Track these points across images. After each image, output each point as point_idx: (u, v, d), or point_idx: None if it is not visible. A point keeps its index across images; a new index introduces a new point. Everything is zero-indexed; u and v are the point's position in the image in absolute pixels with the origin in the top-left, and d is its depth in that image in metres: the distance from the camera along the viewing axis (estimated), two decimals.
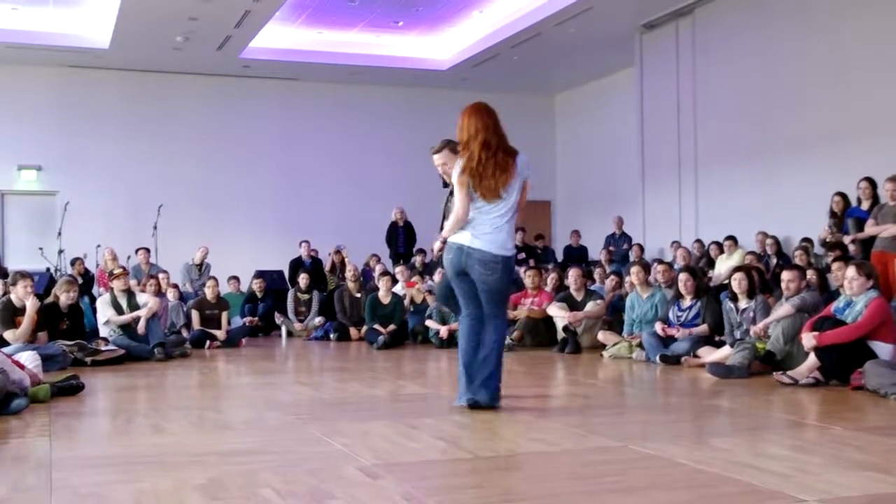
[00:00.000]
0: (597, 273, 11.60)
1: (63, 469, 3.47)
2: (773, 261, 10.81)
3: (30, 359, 5.90)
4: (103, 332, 8.68)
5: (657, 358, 7.53)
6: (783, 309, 6.69)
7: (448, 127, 19.82)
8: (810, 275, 7.97)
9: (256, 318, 11.90)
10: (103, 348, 8.06)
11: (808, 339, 5.92)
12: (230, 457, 3.74)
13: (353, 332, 10.86)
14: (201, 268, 13.20)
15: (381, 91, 16.80)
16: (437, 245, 5.19)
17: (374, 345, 9.71)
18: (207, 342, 9.96)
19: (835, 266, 7.30)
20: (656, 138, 14.30)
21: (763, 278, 8.50)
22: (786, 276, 6.90)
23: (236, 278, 12.97)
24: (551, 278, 10.61)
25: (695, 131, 13.49)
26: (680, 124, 13.74)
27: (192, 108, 15.95)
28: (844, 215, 9.23)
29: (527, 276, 10.01)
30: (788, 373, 5.98)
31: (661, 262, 9.57)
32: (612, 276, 10.57)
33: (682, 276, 7.97)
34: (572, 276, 9.52)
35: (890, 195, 8.24)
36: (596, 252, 14.61)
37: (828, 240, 9.49)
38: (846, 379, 5.72)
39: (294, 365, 8.78)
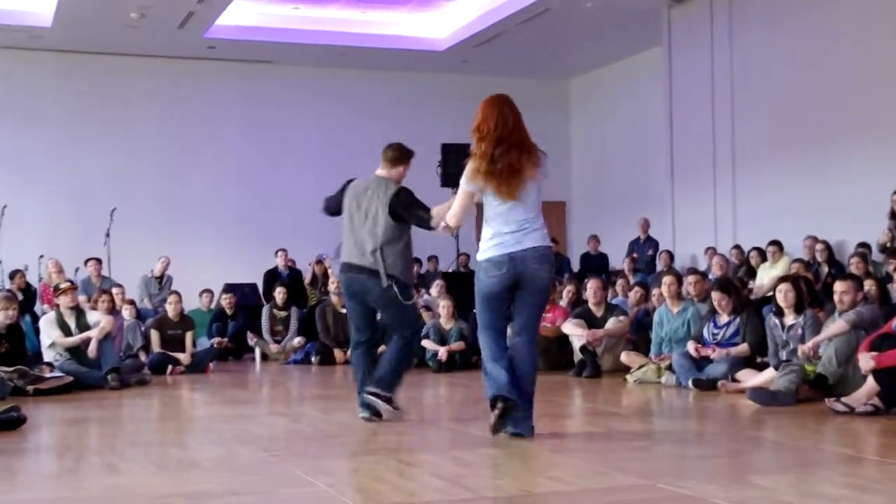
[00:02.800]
0: (619, 285, 11.60)
1: None
2: (825, 269, 10.81)
3: None
4: (48, 356, 8.66)
5: (690, 383, 7.52)
6: (836, 325, 6.67)
7: (446, 118, 20.04)
8: (868, 285, 7.96)
9: (226, 339, 11.90)
10: (48, 375, 8.04)
11: (866, 361, 5.91)
12: (197, 500, 3.74)
13: (337, 354, 10.86)
14: (161, 281, 13.19)
15: (367, 76, 16.82)
16: (442, 224, 5.40)
17: None
18: (169, 367, 9.94)
19: None
20: (687, 129, 14.29)
21: (812, 290, 8.51)
22: (839, 287, 6.89)
23: (209, 292, 12.95)
24: (567, 291, 10.61)
25: (732, 120, 13.49)
26: (715, 112, 13.73)
27: (149, 96, 15.95)
28: None
29: None
30: (843, 399, 5.96)
31: (694, 271, 9.58)
32: (637, 289, 10.57)
33: (716, 296, 7.95)
34: (591, 288, 9.52)
35: None
36: (618, 260, 14.60)
37: (888, 245, 9.50)
38: None
39: (270, 393, 8.77)
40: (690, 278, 8.99)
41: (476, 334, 10.06)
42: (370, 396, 5.79)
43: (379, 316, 6.12)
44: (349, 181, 6.25)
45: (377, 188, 6.02)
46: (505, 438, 4.91)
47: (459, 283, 12.33)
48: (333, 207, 6.22)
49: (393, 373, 5.91)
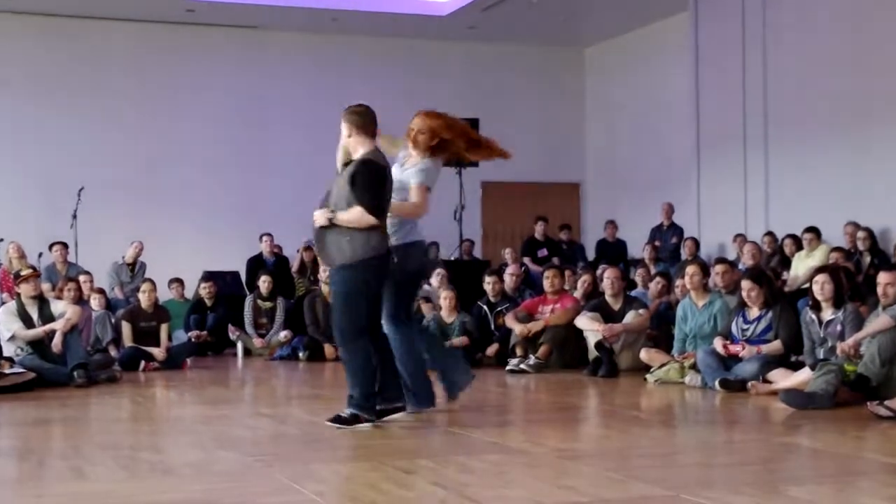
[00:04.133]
0: (638, 275, 11.58)
1: None
2: (867, 259, 10.81)
3: None
4: (7, 349, 8.65)
5: (716, 383, 7.51)
6: (880, 321, 6.66)
7: (450, 90, 19.97)
8: None
9: (205, 333, 11.89)
10: (7, 371, 8.04)
11: None
12: None
13: (327, 349, 10.86)
14: (134, 268, 13.18)
15: (363, 43, 16.78)
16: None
17: None
18: (142, 363, 9.94)
19: None
20: (715, 103, 14.26)
21: (853, 282, 8.49)
22: (883, 278, 6.88)
23: (179, 281, 12.94)
24: (583, 281, 10.59)
25: (764, 93, 13.47)
26: (746, 85, 13.71)
27: (122, 64, 15.92)
28: None
29: (545, 279, 10.00)
30: (886, 403, 5.95)
31: (722, 260, 9.57)
32: (659, 279, 10.55)
33: (746, 285, 7.94)
34: (607, 278, 9.51)
35: None
36: (637, 248, 14.60)
37: None
38: None
39: (253, 391, 8.77)
40: (718, 268, 8.98)
41: (475, 328, 10.14)
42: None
43: None
44: (381, 167, 5.88)
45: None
46: (514, 444, 4.90)
47: (463, 273, 12.34)
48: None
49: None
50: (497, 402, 7.60)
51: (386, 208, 5.78)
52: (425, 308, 10.76)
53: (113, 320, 10.60)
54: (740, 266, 10.44)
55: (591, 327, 9.13)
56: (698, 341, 8.32)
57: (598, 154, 17.90)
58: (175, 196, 15.91)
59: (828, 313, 7.30)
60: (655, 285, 10.42)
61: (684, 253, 13.15)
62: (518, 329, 9.54)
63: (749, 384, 7.36)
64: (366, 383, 5.67)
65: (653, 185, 15.84)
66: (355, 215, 5.59)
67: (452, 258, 14.10)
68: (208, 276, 12.84)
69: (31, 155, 15.37)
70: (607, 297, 9.43)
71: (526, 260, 14.43)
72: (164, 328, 10.41)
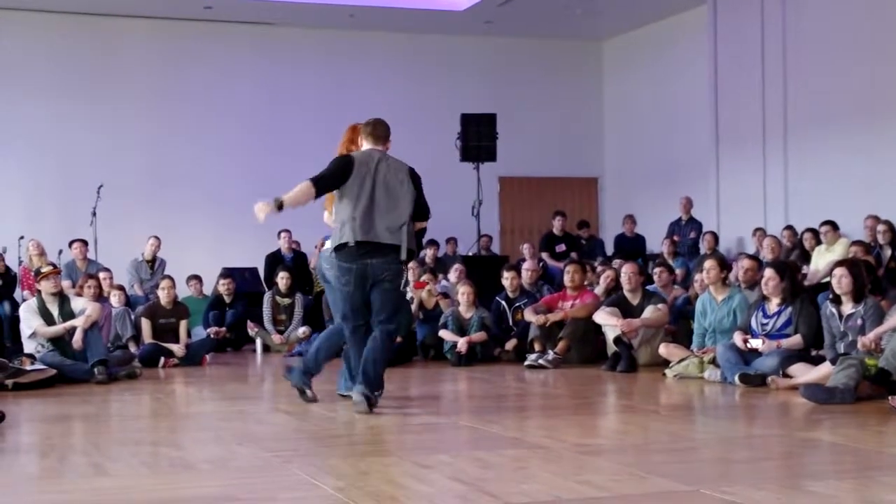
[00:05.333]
0: (655, 272, 11.54)
1: None
2: (887, 253, 10.75)
3: None
4: (28, 346, 8.71)
5: (736, 378, 7.49)
6: None
7: (466, 85, 19.92)
8: None
9: (224, 329, 11.93)
10: (28, 368, 8.08)
11: None
12: None
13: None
14: (153, 265, 13.23)
15: (378, 40, 16.77)
16: None
17: None
18: (162, 359, 9.98)
19: None
20: (734, 96, 14.21)
21: (874, 275, 8.44)
22: None
23: (198, 278, 12.99)
24: (605, 277, 10.57)
25: (784, 87, 13.41)
26: (765, 78, 13.66)
27: (141, 61, 15.97)
28: None
29: (566, 273, 10.00)
30: None
31: (747, 256, 9.53)
32: (660, 270, 10.50)
33: (767, 273, 7.92)
34: (625, 273, 9.49)
35: None
36: (656, 243, 14.57)
37: None
38: None
39: (272, 388, 8.79)
40: (745, 263, 8.92)
41: (494, 323, 10.18)
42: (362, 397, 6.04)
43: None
44: (347, 155, 6.42)
45: (391, 162, 6.31)
46: (533, 439, 4.90)
47: (481, 268, 12.34)
48: (339, 181, 6.30)
49: (381, 374, 6.23)
50: (515, 397, 7.61)
51: None
52: (443, 304, 10.77)
53: (132, 317, 10.65)
54: (762, 260, 10.39)
55: (609, 322, 9.11)
56: (717, 336, 8.31)
57: (617, 148, 17.86)
58: (194, 193, 15.95)
59: (848, 307, 7.27)
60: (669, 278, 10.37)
61: (703, 247, 13.12)
62: (536, 319, 9.54)
63: (769, 379, 7.34)
64: None
65: (671, 180, 15.80)
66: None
67: (470, 253, 14.10)
68: (227, 273, 12.87)
69: (50, 153, 15.44)
70: (626, 292, 9.41)
71: (544, 255, 14.42)
72: (183, 325, 10.45)
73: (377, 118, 6.54)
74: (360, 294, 6.27)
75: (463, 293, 10.29)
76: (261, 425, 5.98)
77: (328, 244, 6.74)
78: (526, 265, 11.40)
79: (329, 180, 6.31)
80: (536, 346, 9.46)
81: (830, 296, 7.44)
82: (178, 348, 10.18)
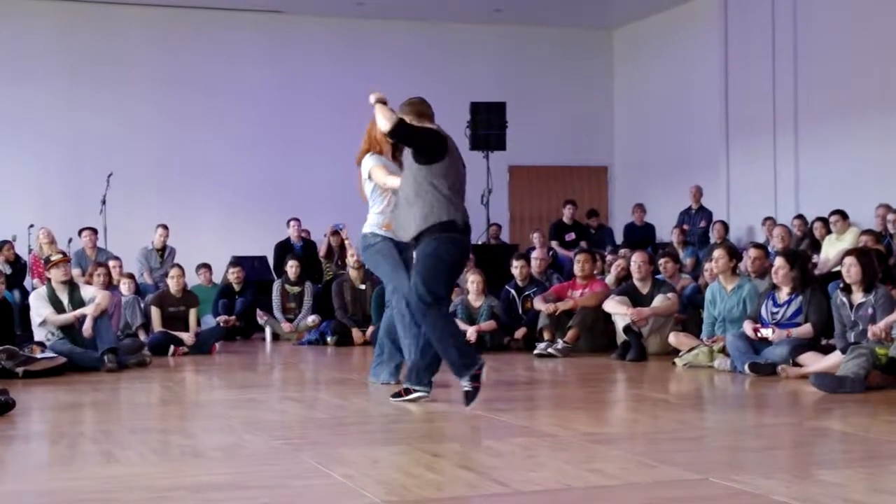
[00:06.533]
0: (661, 263, 11.50)
1: None
2: None
3: None
4: (38, 334, 8.73)
5: (746, 367, 7.48)
6: None
7: (475, 73, 19.88)
8: None
9: (233, 318, 11.95)
10: (39, 356, 8.10)
11: None
12: (202, 492, 3.76)
13: (355, 333, 10.88)
14: (163, 253, 13.25)
15: (387, 27, 16.75)
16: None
17: None
18: (171, 347, 10.00)
19: None
20: (744, 84, 14.17)
21: (885, 264, 8.42)
22: None
23: (207, 266, 13.00)
24: (616, 266, 10.56)
25: (795, 74, 13.37)
26: (776, 67, 13.61)
27: (150, 50, 15.97)
28: None
29: (577, 262, 9.99)
30: None
31: (754, 245, 9.51)
32: (688, 263, 10.51)
33: (778, 262, 7.91)
34: (635, 262, 9.47)
35: None
36: (666, 232, 14.55)
37: None
38: None
39: (281, 376, 8.81)
40: (753, 252, 8.91)
41: (503, 312, 10.15)
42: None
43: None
44: (439, 133, 6.14)
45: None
46: (542, 428, 4.90)
47: (490, 257, 12.33)
48: (436, 156, 6.02)
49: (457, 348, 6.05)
50: (525, 385, 7.61)
51: None
52: (455, 292, 10.77)
53: (142, 305, 10.68)
54: (770, 249, 10.37)
55: (619, 311, 9.10)
56: (727, 325, 8.29)
57: (627, 137, 17.82)
58: (204, 181, 15.97)
59: (858, 296, 7.25)
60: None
61: (713, 236, 13.10)
62: (546, 308, 9.54)
63: (779, 368, 7.33)
64: None
65: (681, 168, 15.77)
66: None
67: (480, 242, 14.09)
68: (236, 262, 12.89)
69: (60, 141, 15.46)
70: (635, 281, 9.39)
71: (554, 244, 14.41)
72: (192, 313, 10.46)
73: (420, 97, 6.43)
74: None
75: (472, 282, 10.29)
76: (270, 413, 5.99)
77: (376, 220, 6.72)
78: (535, 254, 11.40)
79: (422, 144, 6.01)
80: (546, 335, 9.46)
81: (841, 285, 7.42)
82: (187, 337, 10.20)
